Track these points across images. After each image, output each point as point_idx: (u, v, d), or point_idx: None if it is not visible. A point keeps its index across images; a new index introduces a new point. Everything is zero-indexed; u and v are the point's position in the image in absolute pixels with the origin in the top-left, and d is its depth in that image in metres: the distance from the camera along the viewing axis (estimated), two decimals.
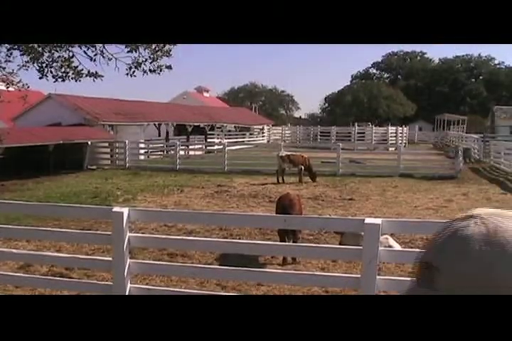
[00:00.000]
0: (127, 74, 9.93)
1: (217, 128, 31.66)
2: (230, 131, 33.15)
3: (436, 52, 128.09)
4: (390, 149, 24.49)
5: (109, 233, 3.68)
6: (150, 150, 22.87)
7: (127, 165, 19.07)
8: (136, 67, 9.81)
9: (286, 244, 5.51)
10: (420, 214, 9.18)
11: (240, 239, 6.90)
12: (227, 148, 18.30)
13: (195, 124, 28.73)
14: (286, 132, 39.24)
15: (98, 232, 5.83)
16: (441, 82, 68.46)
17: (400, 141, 31.04)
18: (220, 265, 5.44)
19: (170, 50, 9.80)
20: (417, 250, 1.03)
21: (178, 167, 18.23)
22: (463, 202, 10.94)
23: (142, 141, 22.40)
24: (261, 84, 70.60)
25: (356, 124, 36.27)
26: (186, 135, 27.92)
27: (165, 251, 6.24)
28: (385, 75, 76.90)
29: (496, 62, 72.80)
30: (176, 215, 4.36)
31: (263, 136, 36.65)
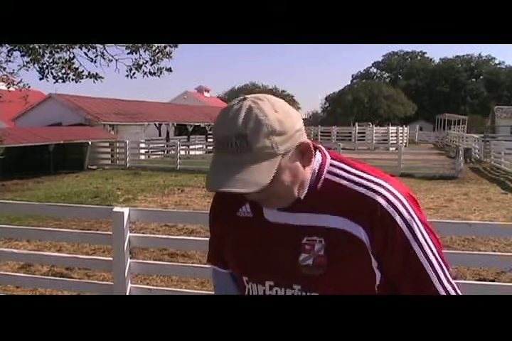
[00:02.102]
0: (127, 75, 9.93)
1: None
2: None
3: (437, 52, 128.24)
4: (391, 149, 24.47)
5: (110, 233, 3.68)
6: (150, 150, 22.86)
7: (128, 165, 19.05)
8: (136, 69, 9.81)
9: None
10: None
11: None
12: None
13: (196, 124, 28.71)
14: None
15: (98, 232, 5.83)
16: (442, 82, 68.46)
17: (401, 141, 31.03)
18: None
19: (170, 52, 9.80)
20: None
21: (178, 167, 18.22)
22: (463, 201, 10.93)
23: (143, 140, 22.39)
24: (261, 83, 70.55)
25: (357, 124, 36.24)
26: (187, 135, 27.91)
27: (165, 251, 6.24)
28: (386, 75, 76.87)
29: (497, 61, 72.84)
30: (176, 215, 4.35)
31: None
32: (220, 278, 1.34)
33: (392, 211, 1.08)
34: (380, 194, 1.09)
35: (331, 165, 1.15)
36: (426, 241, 1.10)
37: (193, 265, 5.00)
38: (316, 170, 1.13)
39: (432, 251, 1.10)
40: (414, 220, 1.09)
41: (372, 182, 1.11)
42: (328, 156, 1.17)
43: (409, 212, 1.09)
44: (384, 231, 1.07)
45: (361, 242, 1.08)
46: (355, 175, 1.12)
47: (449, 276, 1.13)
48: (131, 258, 3.64)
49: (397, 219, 1.08)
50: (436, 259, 1.11)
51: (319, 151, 1.16)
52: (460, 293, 1.13)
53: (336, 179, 1.12)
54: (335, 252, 1.09)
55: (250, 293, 1.20)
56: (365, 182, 1.10)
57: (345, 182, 1.11)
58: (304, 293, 1.12)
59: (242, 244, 1.20)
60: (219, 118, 1.04)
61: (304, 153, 1.09)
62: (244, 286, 1.21)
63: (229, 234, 1.23)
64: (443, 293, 1.11)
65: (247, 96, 1.05)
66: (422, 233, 1.10)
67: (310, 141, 1.10)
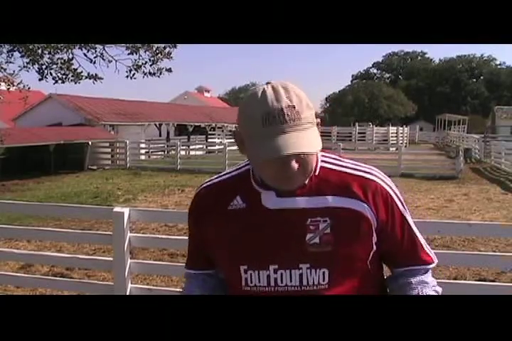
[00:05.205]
0: (127, 76, 9.91)
1: (218, 128, 31.66)
2: (230, 131, 33.14)
3: (437, 52, 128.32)
4: (391, 149, 24.45)
5: (110, 233, 3.68)
6: (151, 150, 22.85)
7: (128, 165, 19.05)
8: (136, 70, 9.79)
9: None
10: (421, 214, 9.17)
11: None
12: (227, 148, 18.28)
13: (196, 124, 28.72)
14: None
15: (99, 232, 5.82)
16: (442, 82, 68.42)
17: (401, 141, 31.01)
18: None
19: (170, 53, 9.77)
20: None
21: (178, 167, 18.21)
22: (464, 202, 10.93)
23: (143, 141, 22.39)
24: (262, 83, 70.42)
25: (357, 124, 36.23)
26: (187, 135, 27.92)
27: (165, 251, 6.24)
28: (386, 75, 76.85)
29: (497, 62, 72.82)
30: (176, 215, 4.34)
31: None
32: (191, 280, 1.37)
33: (390, 190, 1.24)
34: (376, 176, 1.24)
35: (323, 156, 1.26)
36: (409, 214, 1.28)
37: None
38: None
39: (413, 222, 1.28)
40: (402, 198, 1.27)
41: (366, 168, 1.26)
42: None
43: (398, 191, 1.27)
44: (386, 208, 1.22)
45: (366, 218, 1.19)
46: (347, 163, 1.26)
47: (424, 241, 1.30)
48: (131, 258, 3.64)
49: (394, 197, 1.24)
50: (416, 229, 1.29)
51: None
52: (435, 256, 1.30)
53: (332, 166, 1.24)
54: (341, 229, 1.18)
55: (250, 282, 1.21)
56: (359, 168, 1.25)
57: (341, 168, 1.24)
58: (312, 271, 1.17)
59: (239, 235, 1.22)
60: (252, 99, 1.13)
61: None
62: (240, 277, 1.23)
63: (221, 228, 1.25)
64: (429, 257, 1.28)
65: (269, 81, 1.17)
66: (406, 208, 1.28)
67: None
